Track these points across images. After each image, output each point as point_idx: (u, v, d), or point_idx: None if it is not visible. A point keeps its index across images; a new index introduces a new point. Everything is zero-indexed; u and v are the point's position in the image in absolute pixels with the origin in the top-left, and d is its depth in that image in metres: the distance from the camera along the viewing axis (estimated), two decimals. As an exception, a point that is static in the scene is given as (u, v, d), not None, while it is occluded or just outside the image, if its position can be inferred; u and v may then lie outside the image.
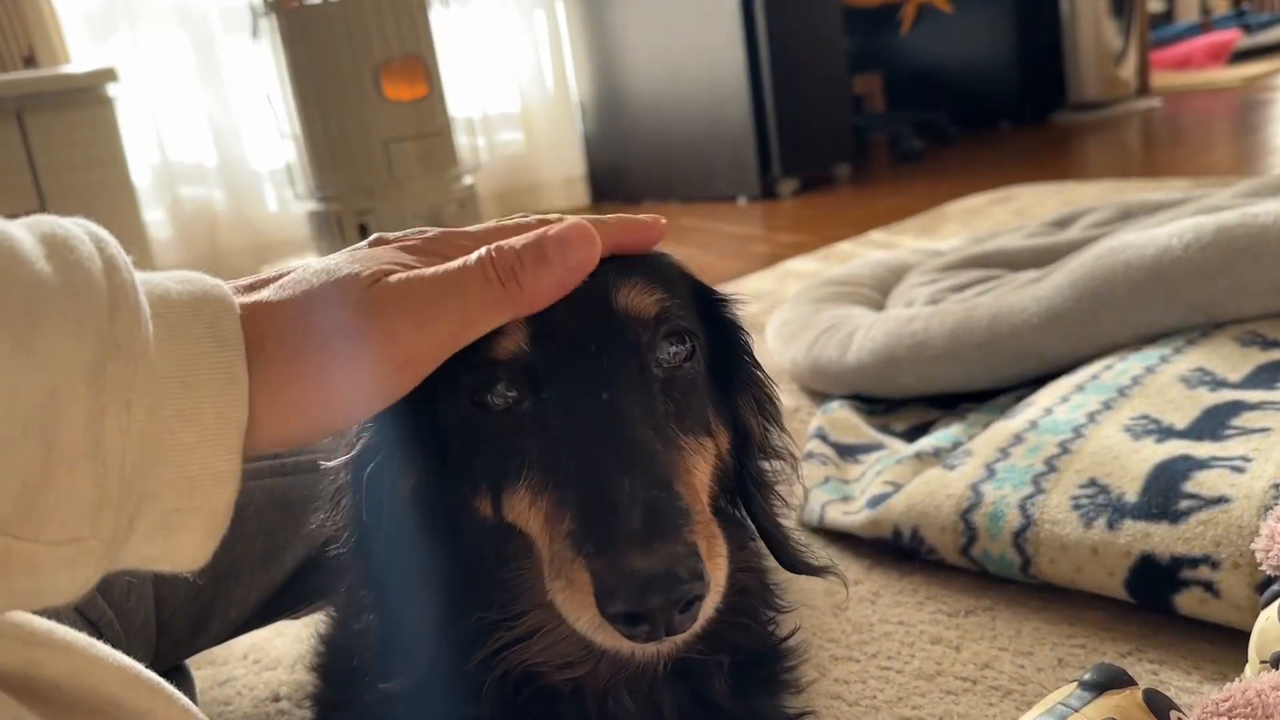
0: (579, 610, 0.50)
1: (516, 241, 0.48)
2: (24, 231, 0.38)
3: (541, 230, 0.49)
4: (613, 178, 4.57)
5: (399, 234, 0.53)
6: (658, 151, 4.30)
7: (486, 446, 0.56)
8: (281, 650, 1.07)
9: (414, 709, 0.62)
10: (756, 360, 0.68)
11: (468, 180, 3.10)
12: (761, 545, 0.68)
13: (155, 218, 3.32)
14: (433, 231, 0.53)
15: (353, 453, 0.58)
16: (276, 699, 0.99)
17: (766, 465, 0.68)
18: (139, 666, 0.47)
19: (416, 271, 0.47)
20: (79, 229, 0.41)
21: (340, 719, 0.72)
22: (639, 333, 0.56)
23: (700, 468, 0.58)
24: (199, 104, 3.50)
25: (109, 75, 2.55)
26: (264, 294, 0.47)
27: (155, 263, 2.75)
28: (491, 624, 0.61)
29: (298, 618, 0.97)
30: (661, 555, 0.47)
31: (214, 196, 3.58)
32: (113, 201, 2.61)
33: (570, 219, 0.51)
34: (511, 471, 0.55)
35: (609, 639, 0.50)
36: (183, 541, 0.43)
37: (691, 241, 3.34)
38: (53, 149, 2.50)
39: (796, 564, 0.67)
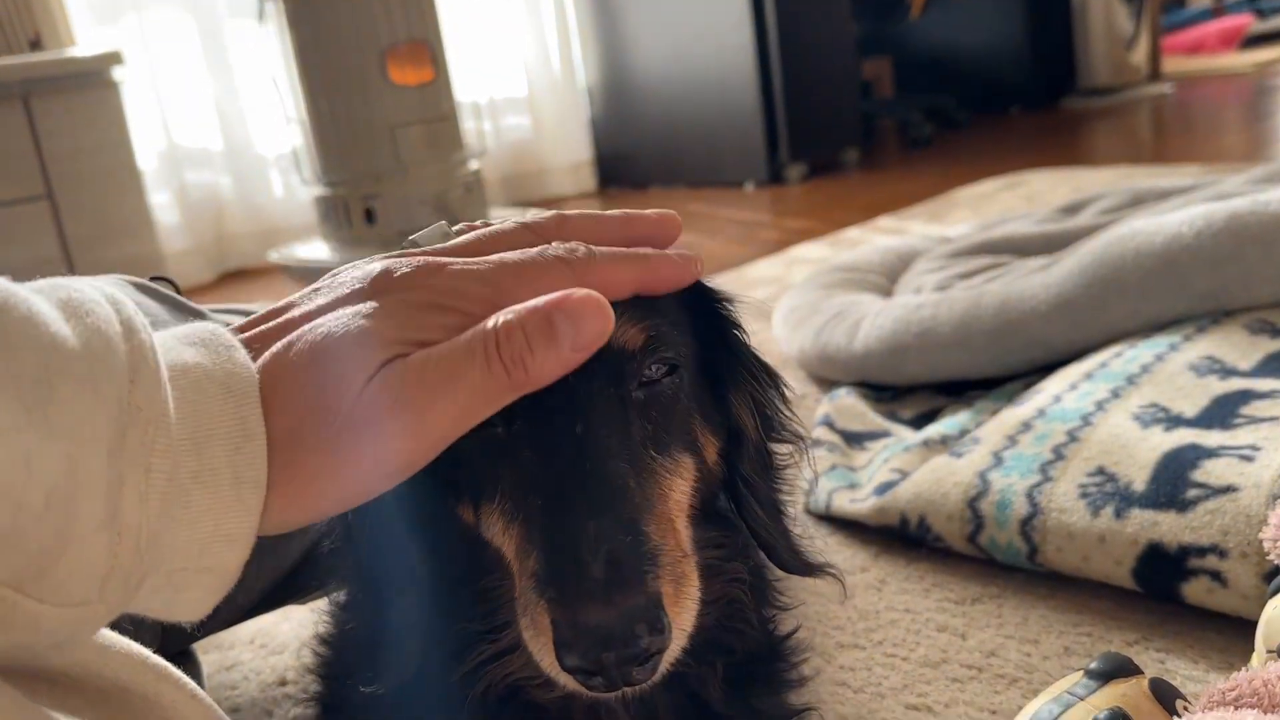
0: (541, 653, 0.50)
1: (523, 315, 0.45)
2: (38, 295, 0.37)
3: (550, 302, 0.45)
4: (620, 163, 4.56)
5: (401, 268, 0.48)
6: (665, 136, 4.28)
7: (466, 463, 0.55)
8: (288, 635, 1.08)
9: (401, 715, 0.62)
10: (755, 357, 0.67)
11: (474, 165, 3.10)
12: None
13: (161, 202, 3.32)
14: (434, 264, 0.48)
15: None
16: (283, 683, 1.00)
17: (770, 463, 0.68)
18: (146, 652, 0.47)
19: (414, 361, 0.44)
20: (94, 291, 0.40)
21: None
22: (623, 365, 0.55)
23: (678, 488, 0.57)
24: (205, 88, 3.49)
25: (114, 59, 2.54)
26: (263, 364, 0.44)
27: (161, 248, 2.75)
28: (476, 634, 0.60)
29: (304, 603, 0.98)
30: (620, 610, 0.47)
31: (220, 181, 3.58)
32: (119, 186, 2.60)
33: (581, 293, 0.46)
34: (487, 492, 0.55)
35: (568, 684, 0.50)
36: (186, 598, 0.42)
37: (698, 227, 3.33)
38: (58, 133, 2.49)
39: (790, 565, 0.67)
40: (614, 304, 0.52)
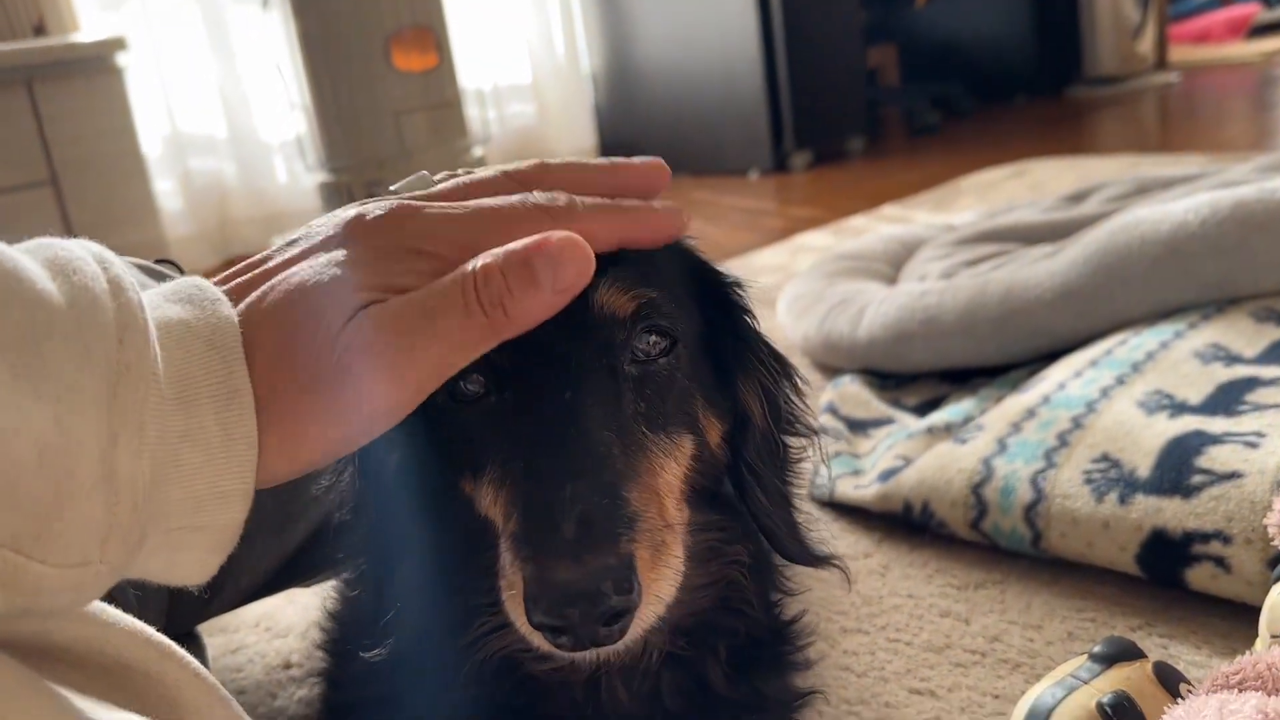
0: (515, 612, 0.50)
1: (501, 258, 0.44)
2: (25, 254, 0.37)
3: (529, 245, 0.44)
4: (624, 150, 4.53)
5: (375, 211, 0.47)
6: (669, 124, 4.27)
7: (461, 435, 0.55)
8: (293, 618, 1.08)
9: (403, 684, 0.63)
10: (766, 345, 0.66)
11: (478, 152, 3.09)
12: None
13: (165, 188, 3.32)
14: (408, 207, 0.47)
15: None
16: (287, 666, 1.00)
17: (779, 451, 0.67)
18: (150, 631, 0.47)
19: (391, 306, 0.43)
20: (82, 250, 0.40)
21: (348, 696, 0.72)
22: (612, 332, 0.55)
23: (670, 469, 0.56)
24: (209, 74, 3.48)
25: (118, 44, 2.54)
26: (240, 314, 0.44)
27: (165, 234, 2.75)
28: (475, 607, 0.60)
29: (309, 586, 0.98)
30: (588, 568, 0.47)
31: (224, 168, 3.58)
32: (123, 172, 2.60)
33: (560, 234, 0.45)
34: (480, 463, 0.55)
35: (537, 642, 0.50)
36: (186, 558, 0.42)
37: (702, 215, 3.33)
38: (62, 119, 2.49)
39: (795, 555, 0.66)
40: (605, 270, 0.52)
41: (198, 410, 0.40)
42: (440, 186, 0.52)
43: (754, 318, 0.66)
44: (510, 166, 0.53)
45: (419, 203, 0.48)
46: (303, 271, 0.45)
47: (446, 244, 0.46)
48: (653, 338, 0.56)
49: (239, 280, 0.47)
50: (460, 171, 0.54)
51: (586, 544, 0.47)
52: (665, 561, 0.51)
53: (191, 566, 0.43)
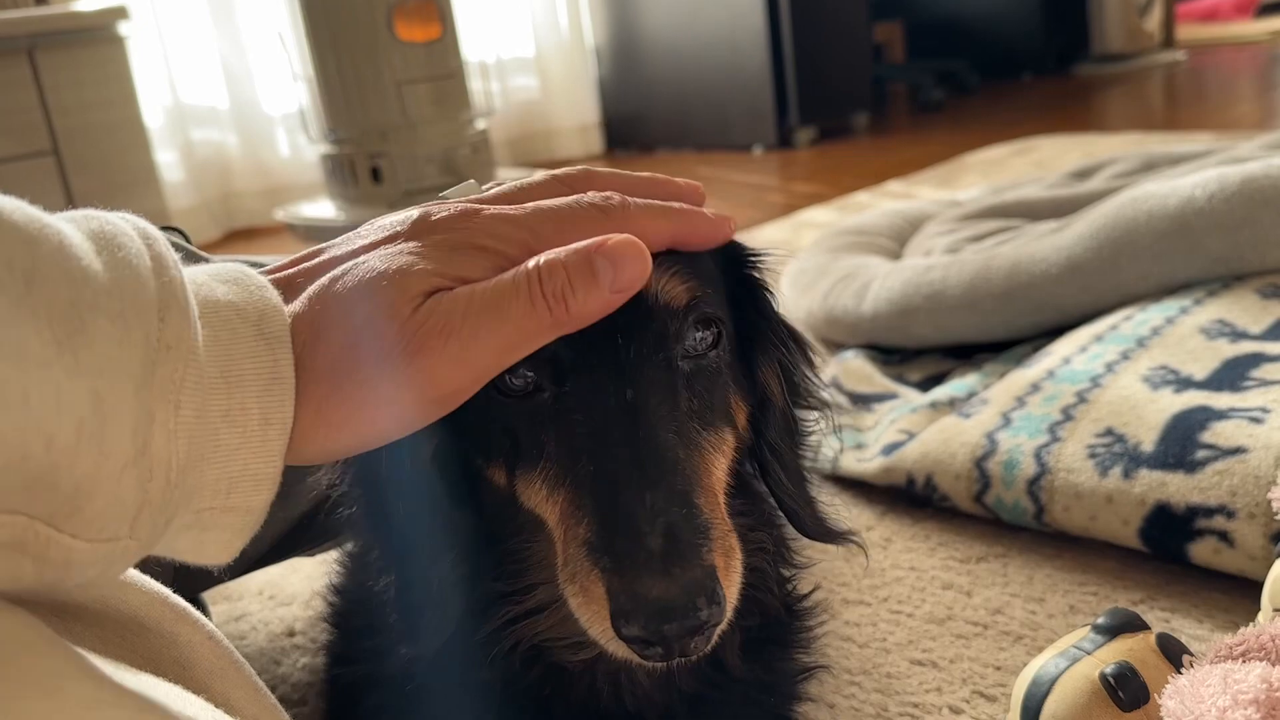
0: (593, 620, 0.50)
1: (563, 255, 0.46)
2: (71, 226, 0.37)
3: (591, 245, 0.46)
4: (627, 125, 4.53)
5: (440, 211, 0.49)
6: (673, 99, 4.25)
7: (504, 427, 0.55)
8: (296, 586, 1.08)
9: (428, 672, 0.63)
10: (782, 320, 0.66)
11: (481, 125, 3.07)
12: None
13: (167, 160, 3.31)
14: (470, 209, 0.49)
15: None
16: (291, 634, 1.01)
17: (794, 431, 0.67)
18: (165, 591, 0.47)
19: (460, 294, 0.44)
20: (126, 224, 0.40)
21: (354, 672, 0.72)
22: (668, 323, 0.55)
23: (719, 465, 0.57)
24: (211, 45, 3.46)
25: (120, 13, 2.52)
26: (308, 297, 0.45)
27: (167, 205, 2.74)
28: (502, 594, 0.61)
29: (312, 554, 0.98)
30: (680, 583, 0.47)
31: (226, 139, 3.56)
32: (125, 142, 2.59)
33: (620, 236, 0.47)
34: (528, 457, 0.54)
35: (620, 651, 0.50)
36: (213, 538, 0.43)
37: (707, 191, 3.30)
38: (64, 88, 2.47)
39: (814, 533, 0.67)
40: (657, 261, 0.52)
41: (240, 391, 0.40)
42: (493, 191, 0.53)
43: (773, 293, 0.66)
44: (559, 171, 0.55)
45: (480, 205, 0.49)
46: (372, 259, 0.46)
47: (510, 242, 0.47)
48: (702, 331, 0.57)
49: (294, 270, 0.48)
50: (506, 181, 0.56)
51: (675, 557, 0.47)
52: (734, 566, 0.51)
53: (217, 547, 0.43)
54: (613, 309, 0.47)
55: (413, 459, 0.57)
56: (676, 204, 0.55)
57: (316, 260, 0.48)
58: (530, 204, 0.50)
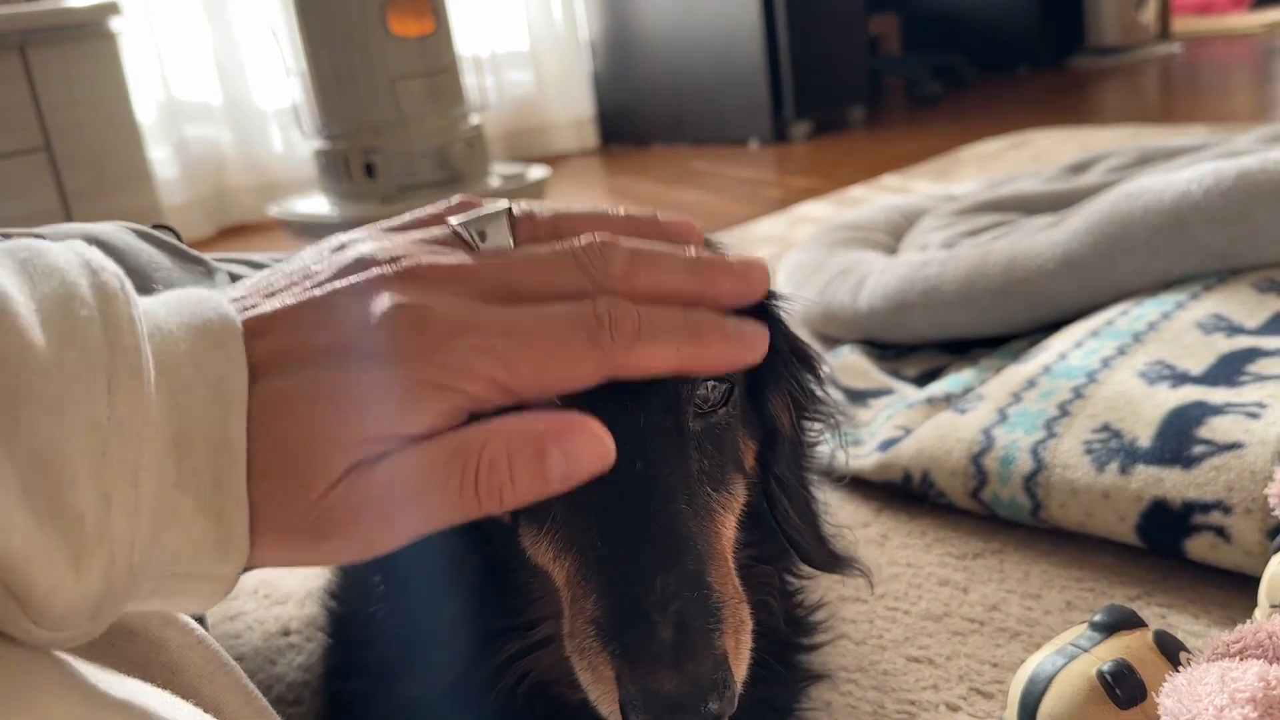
0: (600, 697, 0.49)
1: (514, 440, 0.40)
2: (17, 282, 0.35)
3: (549, 433, 0.40)
4: (622, 119, 4.52)
5: (429, 328, 0.41)
6: (668, 92, 4.24)
7: None
8: (291, 586, 1.08)
9: (428, 708, 0.62)
10: (794, 349, 0.64)
11: (475, 120, 3.06)
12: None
13: (160, 156, 3.29)
14: (454, 321, 0.41)
15: None
16: (286, 633, 1.00)
17: (808, 428, 0.67)
18: (152, 597, 0.47)
19: (380, 475, 0.39)
20: (75, 268, 0.36)
21: (355, 688, 0.71)
22: (679, 388, 0.52)
23: (730, 524, 0.55)
24: (204, 40, 3.45)
25: (112, 9, 2.51)
26: (266, 392, 0.40)
27: (160, 201, 2.73)
28: (503, 629, 0.60)
29: (308, 553, 0.98)
30: (691, 678, 0.46)
31: (219, 135, 3.55)
32: (117, 139, 2.58)
33: (587, 428, 0.41)
34: (534, 514, 0.53)
35: None
36: (181, 603, 0.40)
37: (702, 185, 3.31)
38: (56, 84, 2.46)
39: (820, 564, 0.66)
40: None
41: (190, 455, 0.37)
42: (489, 251, 0.45)
43: (788, 325, 0.63)
44: (581, 243, 0.45)
45: (463, 306, 0.42)
46: (311, 390, 0.40)
47: (476, 380, 0.41)
48: (714, 386, 0.54)
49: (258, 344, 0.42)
50: (534, 209, 0.48)
51: (686, 650, 0.46)
52: (744, 642, 0.51)
53: (188, 607, 0.41)
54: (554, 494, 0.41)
55: None
56: (699, 314, 0.46)
57: (261, 344, 0.41)
58: (518, 316, 0.42)
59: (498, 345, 0.41)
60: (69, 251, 0.37)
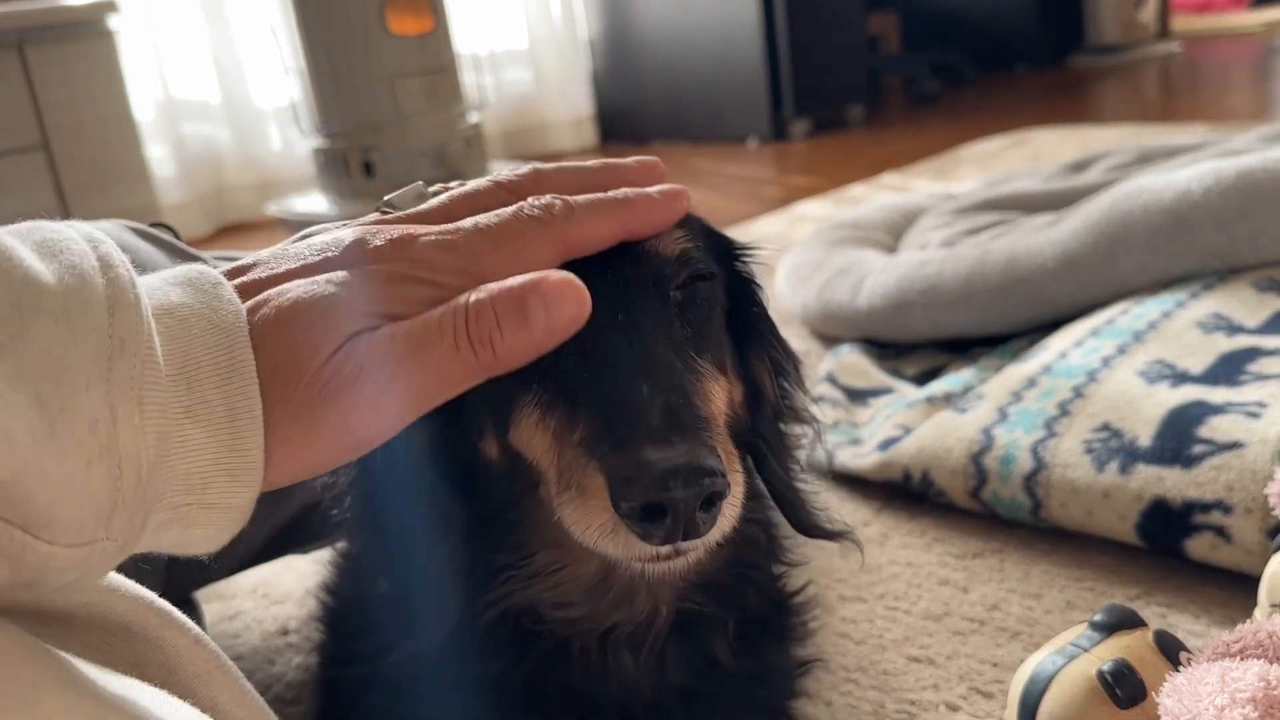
0: (589, 517, 0.48)
1: (495, 295, 0.43)
2: (13, 235, 0.37)
3: (526, 284, 0.43)
4: (621, 118, 4.51)
5: (375, 239, 0.46)
6: (667, 91, 4.24)
7: (493, 383, 0.54)
8: (290, 585, 1.08)
9: (426, 669, 0.62)
10: (770, 321, 0.67)
11: (474, 118, 3.06)
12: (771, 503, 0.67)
13: (158, 155, 3.29)
14: (406, 237, 0.46)
15: None
16: (285, 632, 1.00)
17: (785, 429, 0.68)
18: (151, 595, 0.47)
19: (380, 336, 0.42)
20: (71, 230, 0.39)
21: (350, 674, 0.71)
22: (659, 268, 0.55)
23: (717, 395, 0.56)
24: (202, 39, 3.44)
25: (110, 7, 2.50)
26: (256, 306, 0.43)
27: (158, 200, 2.73)
28: (500, 566, 0.60)
29: (307, 552, 0.98)
30: (683, 449, 0.45)
31: (218, 134, 3.54)
32: (115, 137, 2.57)
33: (558, 276, 0.44)
34: (519, 394, 0.53)
35: (620, 545, 0.48)
36: (198, 535, 0.41)
37: (701, 183, 3.31)
38: (54, 83, 2.46)
39: (810, 528, 0.66)
40: None
41: (200, 386, 0.39)
42: (433, 202, 0.51)
43: (763, 289, 0.66)
44: (503, 177, 0.52)
45: (417, 228, 0.47)
46: (298, 290, 0.43)
47: (444, 272, 0.45)
48: (693, 268, 0.57)
49: (236, 282, 0.46)
50: (453, 184, 0.54)
51: (676, 428, 0.46)
52: (735, 465, 0.50)
53: (203, 543, 0.42)
54: (546, 350, 0.44)
55: (406, 451, 0.56)
56: (623, 192, 0.53)
57: (245, 279, 0.45)
58: (468, 221, 0.47)
59: (458, 241, 0.46)
60: (55, 224, 0.40)
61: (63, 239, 0.38)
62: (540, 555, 0.60)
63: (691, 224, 0.60)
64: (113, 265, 0.38)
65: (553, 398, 0.52)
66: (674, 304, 0.55)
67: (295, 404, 0.41)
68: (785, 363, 0.66)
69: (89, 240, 0.39)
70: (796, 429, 0.69)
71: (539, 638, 0.61)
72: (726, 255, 0.64)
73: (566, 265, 0.47)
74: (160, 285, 0.42)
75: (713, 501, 0.46)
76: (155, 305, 0.40)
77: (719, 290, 0.59)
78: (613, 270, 0.53)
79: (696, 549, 0.49)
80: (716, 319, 0.59)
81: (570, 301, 0.43)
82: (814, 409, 0.70)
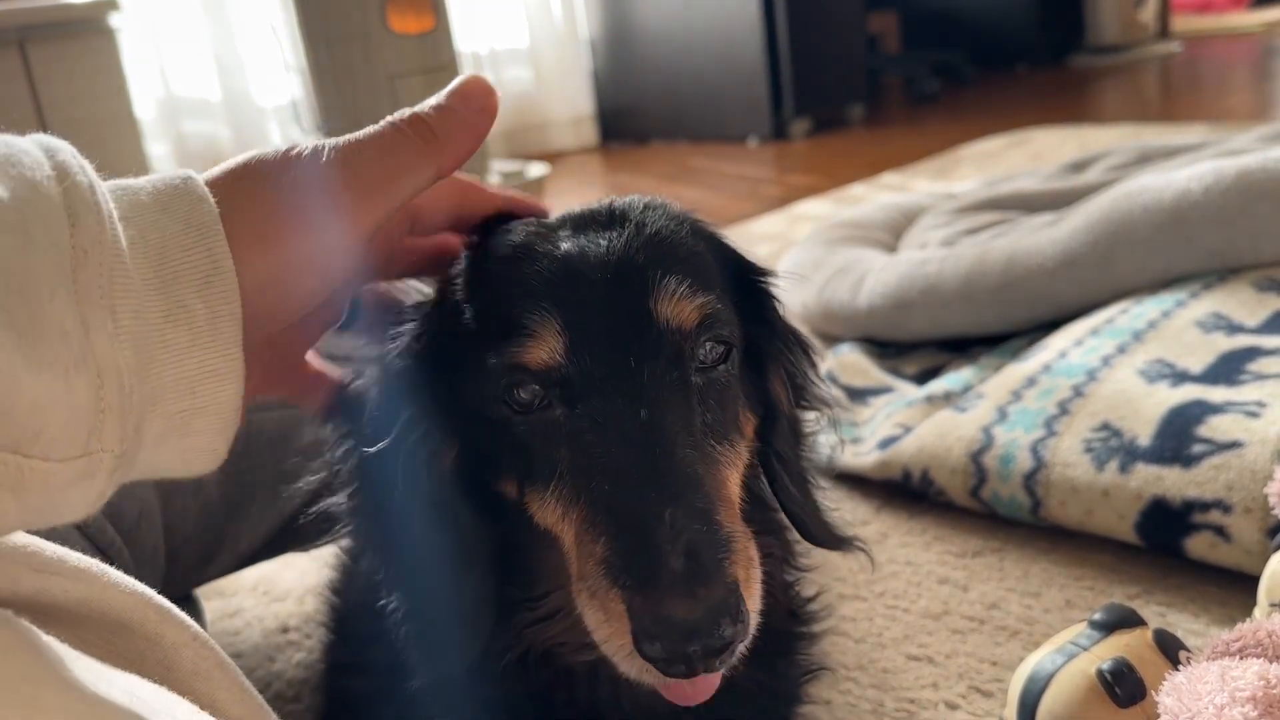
0: (611, 638, 0.49)
1: (424, 105, 0.52)
2: None
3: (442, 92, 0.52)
4: (622, 117, 4.51)
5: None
6: (668, 90, 4.23)
7: (515, 444, 0.55)
8: (290, 583, 1.08)
9: (442, 688, 0.62)
10: (788, 328, 0.66)
11: (475, 117, 3.06)
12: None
13: (159, 152, 3.29)
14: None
15: (377, 431, 0.57)
16: (285, 630, 1.00)
17: (800, 444, 0.67)
18: (150, 592, 0.47)
19: (347, 140, 0.49)
20: (28, 143, 0.39)
21: (361, 685, 0.71)
22: (680, 343, 0.55)
23: (734, 478, 0.56)
24: (203, 36, 3.44)
25: (111, 5, 2.50)
26: (225, 168, 0.47)
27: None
28: (513, 602, 0.60)
29: (307, 550, 0.98)
30: (704, 603, 0.46)
31: (219, 132, 3.54)
32: (116, 134, 2.57)
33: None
34: (540, 475, 0.54)
35: (639, 669, 0.49)
36: (195, 444, 0.42)
37: (701, 183, 3.31)
38: (55, 81, 2.46)
39: (820, 539, 0.66)
40: (664, 274, 0.54)
41: (178, 288, 0.40)
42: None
43: (782, 306, 0.66)
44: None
45: None
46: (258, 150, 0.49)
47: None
48: (713, 345, 0.56)
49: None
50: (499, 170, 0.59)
51: (698, 577, 0.47)
52: (754, 577, 0.51)
53: (202, 454, 0.43)
54: (482, 135, 0.52)
55: (429, 472, 0.56)
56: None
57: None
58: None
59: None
60: (20, 138, 0.40)
61: (16, 151, 0.38)
62: (555, 596, 0.60)
63: (709, 266, 0.59)
64: (69, 173, 0.38)
65: (574, 494, 0.52)
66: (696, 390, 0.55)
67: (258, 227, 0.44)
68: (799, 367, 0.66)
69: (45, 150, 0.39)
70: (810, 415, 0.69)
71: (554, 659, 0.62)
72: (742, 272, 0.64)
73: (582, 348, 0.51)
74: (129, 184, 0.42)
75: (730, 649, 0.47)
76: (126, 207, 0.40)
77: (737, 352, 0.59)
78: (633, 354, 0.53)
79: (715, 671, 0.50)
80: (734, 384, 0.59)
81: (478, 90, 0.54)
82: (827, 394, 0.70)
